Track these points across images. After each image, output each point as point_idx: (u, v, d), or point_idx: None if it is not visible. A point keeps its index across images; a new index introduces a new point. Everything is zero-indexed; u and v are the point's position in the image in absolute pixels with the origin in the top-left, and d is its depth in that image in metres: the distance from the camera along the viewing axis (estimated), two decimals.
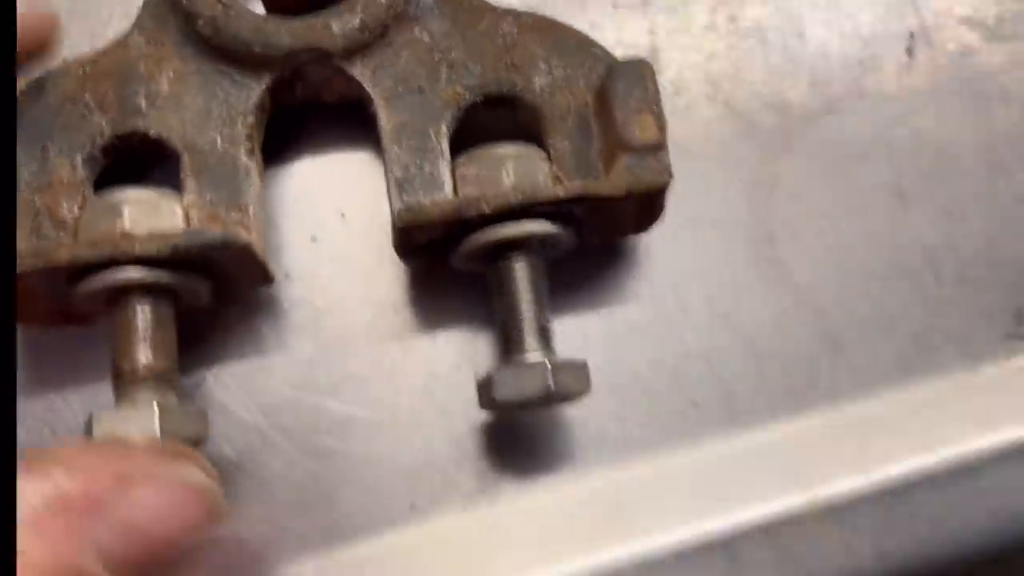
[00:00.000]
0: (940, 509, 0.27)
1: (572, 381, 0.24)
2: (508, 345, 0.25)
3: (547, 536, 0.27)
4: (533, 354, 0.24)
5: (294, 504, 0.27)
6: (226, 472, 0.27)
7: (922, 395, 0.28)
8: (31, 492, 0.20)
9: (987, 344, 0.28)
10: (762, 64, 0.30)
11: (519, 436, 0.27)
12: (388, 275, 0.28)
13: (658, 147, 0.24)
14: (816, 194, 0.29)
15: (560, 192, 0.24)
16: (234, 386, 0.27)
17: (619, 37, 0.30)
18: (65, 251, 0.22)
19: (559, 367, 0.24)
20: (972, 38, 0.31)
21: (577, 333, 0.28)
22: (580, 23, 0.29)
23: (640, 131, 0.24)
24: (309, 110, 0.28)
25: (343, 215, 0.29)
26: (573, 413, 0.28)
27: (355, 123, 0.28)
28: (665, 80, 0.30)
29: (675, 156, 0.29)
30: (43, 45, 0.25)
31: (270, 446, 0.27)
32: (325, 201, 0.28)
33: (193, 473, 0.22)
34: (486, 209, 0.23)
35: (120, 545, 0.20)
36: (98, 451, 0.22)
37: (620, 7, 0.30)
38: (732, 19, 0.30)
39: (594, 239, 0.27)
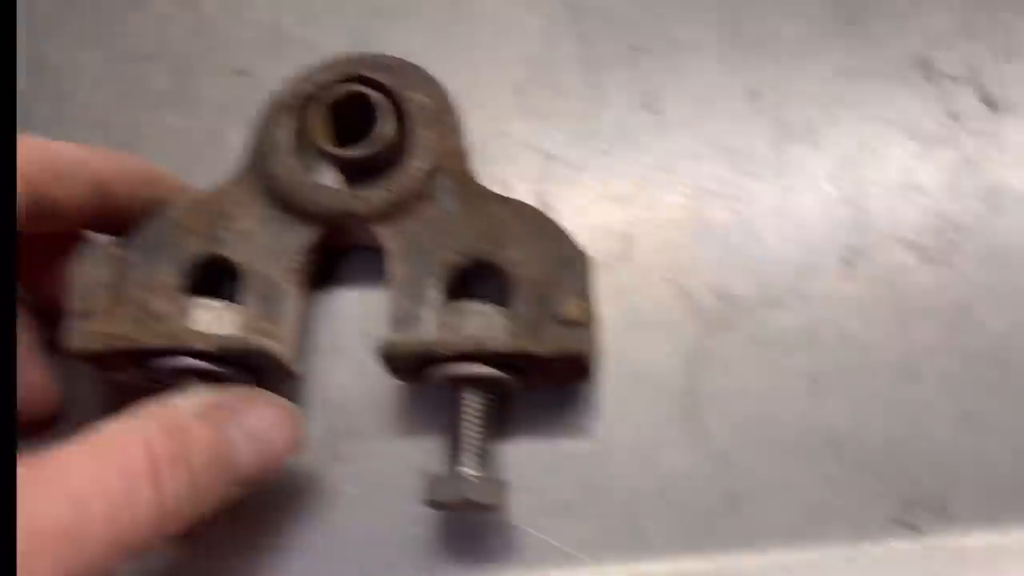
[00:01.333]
0: None
1: (486, 493, 0.31)
2: (451, 458, 0.32)
3: None
4: (465, 468, 0.31)
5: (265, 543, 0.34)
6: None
7: (804, 560, 0.33)
8: (195, 400, 0.29)
9: (872, 525, 0.33)
10: (717, 258, 0.36)
11: (464, 533, 0.34)
12: (389, 383, 0.36)
13: (581, 324, 0.31)
14: (744, 372, 0.35)
15: (500, 348, 0.31)
16: None
17: (602, 222, 0.37)
18: (146, 339, 0.32)
19: (478, 480, 0.31)
20: (908, 258, 0.36)
21: (524, 457, 0.34)
22: (574, 207, 0.37)
23: (568, 310, 0.31)
24: (356, 252, 0.37)
25: (368, 334, 0.37)
26: (510, 520, 0.34)
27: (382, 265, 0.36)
28: (633, 262, 0.37)
29: (631, 323, 0.36)
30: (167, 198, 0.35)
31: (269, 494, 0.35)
32: (353, 323, 0.37)
33: (294, 407, 0.31)
34: (442, 352, 0.31)
35: (247, 449, 0.29)
36: (238, 389, 0.31)
37: (608, 199, 0.38)
38: (698, 218, 0.37)
39: (547, 383, 0.34)
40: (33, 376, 0.35)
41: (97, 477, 0.25)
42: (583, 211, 0.37)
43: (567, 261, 0.32)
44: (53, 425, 0.36)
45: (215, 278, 0.35)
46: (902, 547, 0.33)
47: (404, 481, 0.34)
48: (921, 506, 0.33)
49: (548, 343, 0.31)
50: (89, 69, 0.42)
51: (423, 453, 0.35)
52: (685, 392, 0.35)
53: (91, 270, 0.33)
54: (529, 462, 0.34)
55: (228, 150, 0.39)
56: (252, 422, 0.29)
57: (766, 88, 0.38)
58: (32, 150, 0.31)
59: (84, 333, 0.32)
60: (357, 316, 0.37)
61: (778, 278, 0.36)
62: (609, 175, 0.38)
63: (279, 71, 0.37)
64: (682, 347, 0.35)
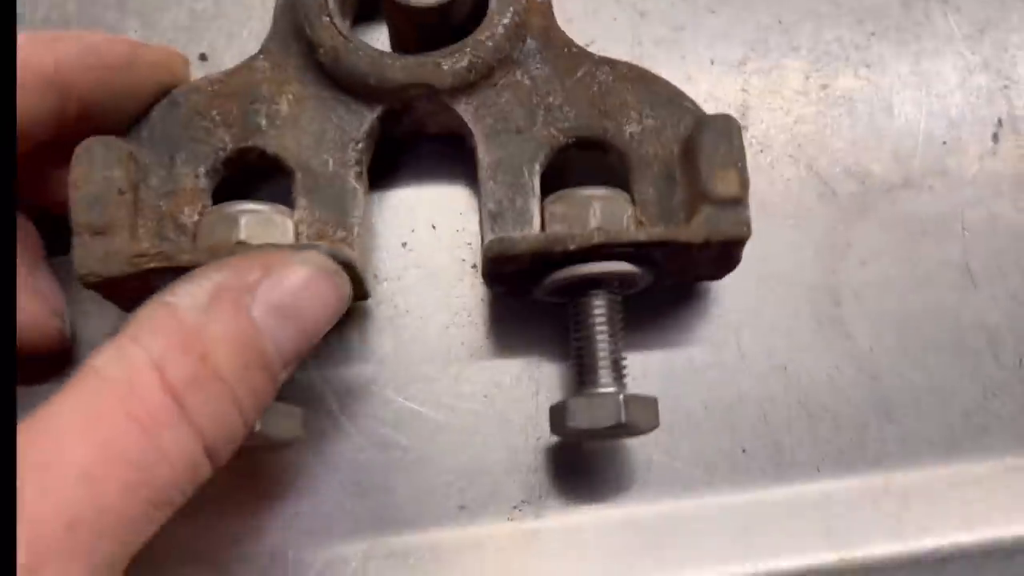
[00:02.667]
0: None
1: (642, 416, 0.26)
2: (583, 376, 0.26)
3: (583, 556, 0.28)
4: (606, 387, 0.26)
5: (353, 486, 0.29)
6: (297, 450, 0.29)
7: (966, 473, 0.29)
8: (192, 290, 0.22)
9: None
10: (847, 133, 0.31)
11: (570, 457, 0.29)
12: (467, 286, 0.30)
13: (738, 201, 0.25)
14: (886, 263, 0.30)
15: (642, 236, 0.25)
16: (314, 371, 0.29)
17: (712, 91, 0.31)
18: (187, 256, 0.25)
19: (631, 401, 0.25)
20: None
21: (639, 367, 0.29)
22: (677, 75, 0.31)
23: (723, 185, 0.25)
24: (414, 139, 0.30)
25: (434, 227, 0.30)
26: (623, 442, 0.29)
27: (452, 152, 0.30)
28: (751, 137, 0.31)
29: (754, 210, 0.30)
30: (174, 80, 0.27)
31: (340, 431, 0.29)
32: (420, 214, 0.30)
33: (322, 259, 0.24)
34: (572, 246, 0.25)
35: (281, 330, 0.22)
36: (240, 255, 0.24)
37: (717, 63, 0.32)
38: (824, 87, 0.31)
39: (669, 281, 0.29)
40: (32, 306, 0.27)
41: (111, 436, 0.19)
42: (689, 79, 0.31)
43: (713, 128, 0.26)
44: (63, 366, 0.29)
45: (244, 175, 0.28)
46: None
47: (492, 403, 0.29)
48: None
49: (701, 228, 0.25)
50: None
51: (512, 370, 0.29)
52: (821, 288, 0.30)
53: (100, 173, 0.25)
54: (648, 375, 0.29)
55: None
56: (276, 295, 0.23)
57: None
58: None
59: (100, 255, 0.25)
60: (425, 208, 0.30)
61: (918, 155, 0.31)
62: (716, 36, 0.32)
63: None
64: (815, 236, 0.30)
